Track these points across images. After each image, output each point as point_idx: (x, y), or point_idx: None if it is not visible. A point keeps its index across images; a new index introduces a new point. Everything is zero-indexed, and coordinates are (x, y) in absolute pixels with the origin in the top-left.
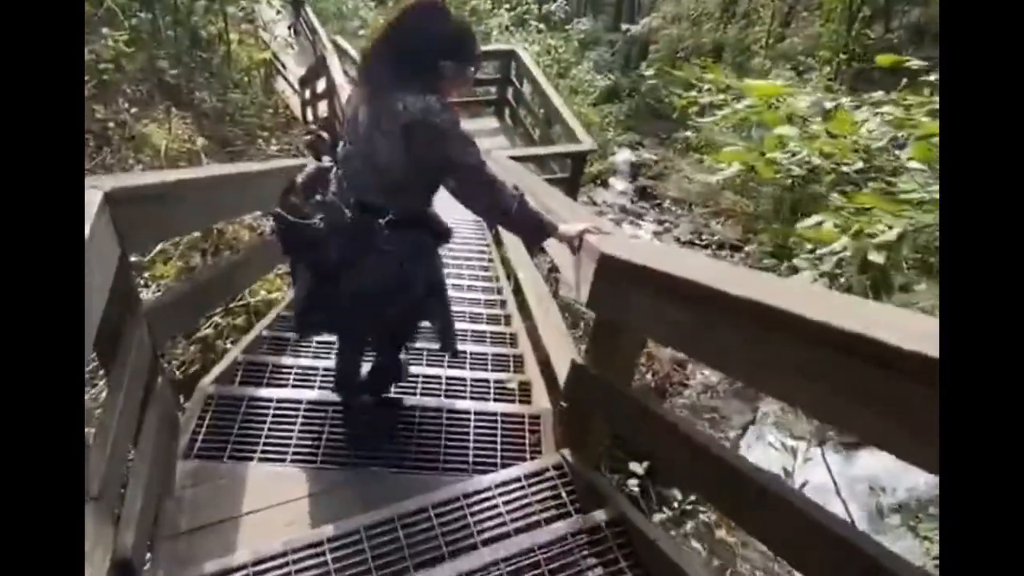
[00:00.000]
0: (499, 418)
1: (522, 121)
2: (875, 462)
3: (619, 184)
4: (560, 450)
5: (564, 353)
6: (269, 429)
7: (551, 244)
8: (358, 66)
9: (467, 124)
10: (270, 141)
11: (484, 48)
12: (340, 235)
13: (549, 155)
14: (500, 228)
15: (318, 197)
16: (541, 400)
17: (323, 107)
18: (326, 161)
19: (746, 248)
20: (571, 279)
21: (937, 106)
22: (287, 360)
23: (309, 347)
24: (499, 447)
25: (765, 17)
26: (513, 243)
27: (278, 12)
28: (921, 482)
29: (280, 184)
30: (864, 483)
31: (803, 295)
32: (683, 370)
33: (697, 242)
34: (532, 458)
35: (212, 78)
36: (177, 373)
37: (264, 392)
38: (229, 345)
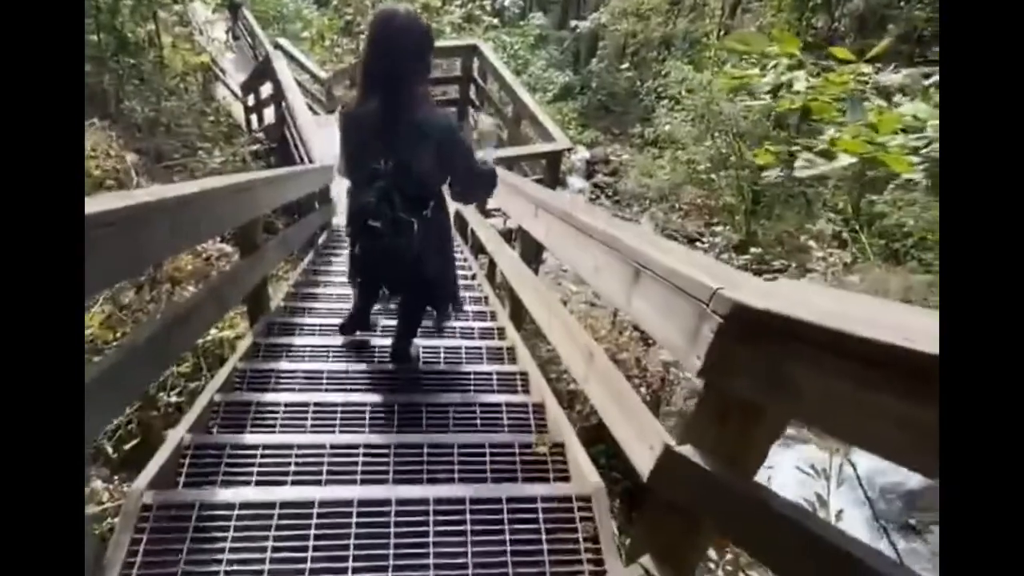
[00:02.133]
0: (539, 504)
1: None
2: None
3: (576, 182)
4: (638, 559)
5: (637, 424)
6: (231, 551)
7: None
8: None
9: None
10: (212, 152)
11: (444, 43)
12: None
13: (524, 156)
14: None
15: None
16: (584, 471)
17: (269, 113)
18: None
19: (706, 240)
20: (633, 313)
21: None
22: (251, 438)
23: (276, 415)
24: (545, 547)
25: (712, 11)
26: (514, 268)
27: (214, 11)
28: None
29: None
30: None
31: None
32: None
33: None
34: (595, 568)
35: (143, 85)
36: (109, 449)
37: (222, 494)
38: (173, 398)
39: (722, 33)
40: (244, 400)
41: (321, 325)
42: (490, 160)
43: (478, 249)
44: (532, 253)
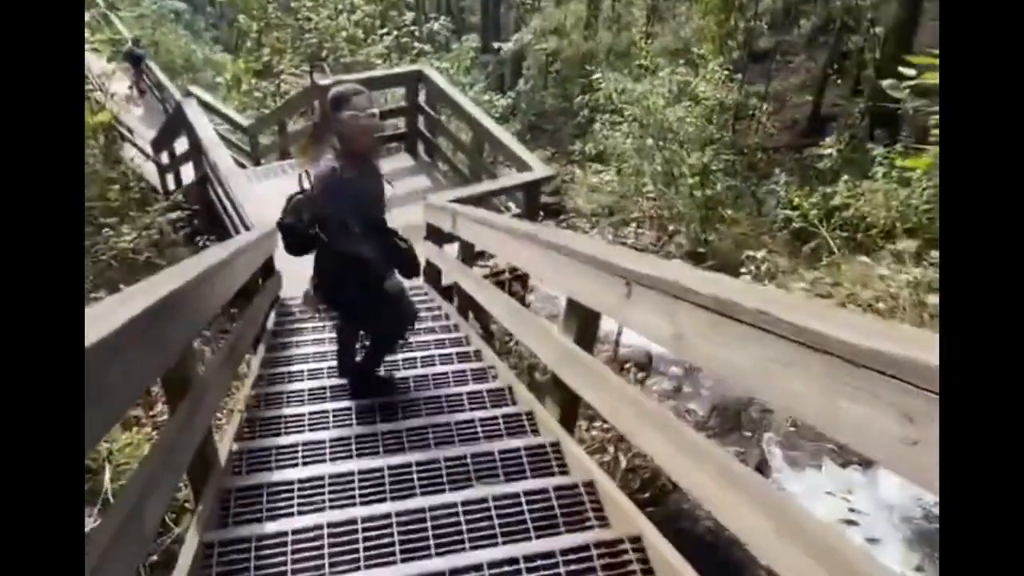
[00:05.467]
0: None
1: (443, 154)
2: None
3: (515, 207)
4: None
5: None
6: None
7: None
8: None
9: (383, 166)
10: (120, 227)
11: (385, 72)
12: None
13: (499, 191)
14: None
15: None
16: None
17: (188, 171)
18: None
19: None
20: None
21: None
22: None
23: None
24: None
25: (635, 20)
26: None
27: (109, 60)
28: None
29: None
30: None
31: None
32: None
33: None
34: None
35: None
36: None
37: None
38: None
39: (648, 41)
40: None
41: (304, 486)
42: None
43: (464, 306)
44: (590, 336)
